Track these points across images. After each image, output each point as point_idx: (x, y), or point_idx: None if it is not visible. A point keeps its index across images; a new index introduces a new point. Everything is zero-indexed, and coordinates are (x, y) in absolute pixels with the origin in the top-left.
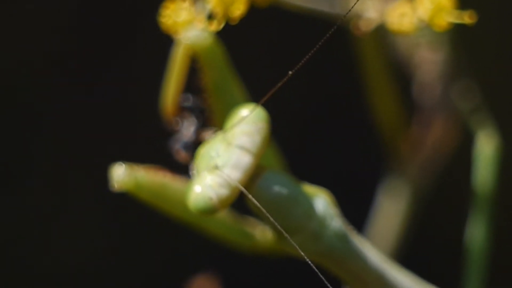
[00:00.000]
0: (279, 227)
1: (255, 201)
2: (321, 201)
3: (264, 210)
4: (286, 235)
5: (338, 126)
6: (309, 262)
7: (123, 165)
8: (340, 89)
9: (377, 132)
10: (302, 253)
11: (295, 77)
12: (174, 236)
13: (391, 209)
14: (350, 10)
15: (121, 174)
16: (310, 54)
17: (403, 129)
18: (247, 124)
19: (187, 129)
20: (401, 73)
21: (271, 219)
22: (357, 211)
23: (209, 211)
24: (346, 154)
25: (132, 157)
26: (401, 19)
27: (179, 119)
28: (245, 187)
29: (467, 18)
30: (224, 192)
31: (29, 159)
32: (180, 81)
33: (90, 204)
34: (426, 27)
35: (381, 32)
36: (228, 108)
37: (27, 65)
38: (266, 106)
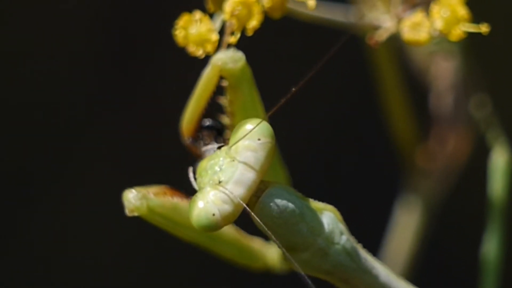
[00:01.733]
0: (279, 244)
1: (257, 218)
2: (328, 217)
3: (264, 227)
4: (284, 251)
5: (353, 139)
6: (306, 279)
7: (135, 190)
8: (354, 102)
9: (393, 146)
10: (306, 270)
11: (309, 90)
12: (186, 254)
13: (407, 224)
14: (361, 18)
15: (132, 200)
16: (316, 67)
17: (419, 143)
18: (251, 139)
19: (205, 149)
20: (417, 84)
21: (272, 237)
22: (373, 226)
23: (212, 227)
24: (361, 168)
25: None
26: (416, 29)
27: (197, 139)
28: (249, 203)
29: (483, 28)
30: (227, 208)
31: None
32: (204, 102)
33: (100, 222)
34: (440, 37)
35: (396, 43)
36: None
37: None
38: (278, 120)
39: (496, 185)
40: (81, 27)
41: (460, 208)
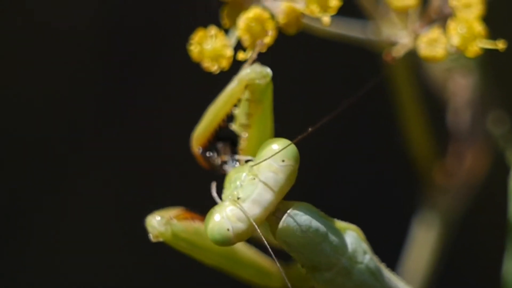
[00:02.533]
0: (282, 271)
1: (263, 237)
2: (352, 236)
3: (270, 251)
4: (284, 274)
5: (371, 155)
6: None
7: (158, 216)
8: (371, 117)
9: (410, 162)
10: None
11: (325, 104)
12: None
13: (425, 240)
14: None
15: (157, 225)
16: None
17: (437, 159)
18: (275, 159)
19: (223, 161)
20: (435, 100)
21: (276, 261)
22: (391, 242)
23: (224, 242)
24: (379, 184)
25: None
26: (433, 45)
27: (209, 149)
28: (269, 223)
29: (500, 44)
30: (240, 226)
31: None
32: (223, 115)
33: (98, 230)
34: (457, 53)
35: (413, 58)
36: (262, 139)
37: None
38: (297, 133)
39: None
40: (82, 39)
41: (478, 225)
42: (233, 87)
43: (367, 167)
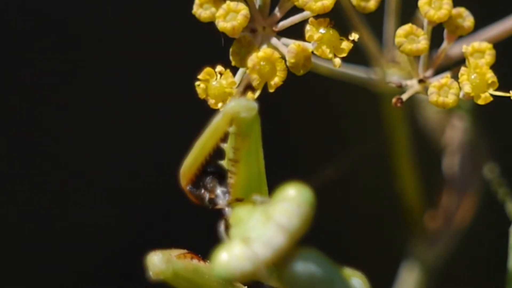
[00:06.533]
0: None
1: (268, 280)
2: (357, 283)
3: None
4: None
5: (361, 201)
6: None
7: (160, 253)
8: (365, 165)
9: (402, 208)
10: None
11: (317, 147)
12: None
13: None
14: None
15: (158, 263)
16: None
17: (425, 206)
18: (290, 203)
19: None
20: (429, 144)
21: None
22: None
23: (228, 280)
24: (369, 229)
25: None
26: (444, 91)
27: (197, 184)
28: (279, 267)
29: None
30: (247, 266)
31: None
32: (209, 149)
33: None
34: (468, 100)
35: (409, 102)
36: (252, 176)
37: None
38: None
39: None
40: None
41: (463, 274)
42: (218, 120)
43: (358, 214)
